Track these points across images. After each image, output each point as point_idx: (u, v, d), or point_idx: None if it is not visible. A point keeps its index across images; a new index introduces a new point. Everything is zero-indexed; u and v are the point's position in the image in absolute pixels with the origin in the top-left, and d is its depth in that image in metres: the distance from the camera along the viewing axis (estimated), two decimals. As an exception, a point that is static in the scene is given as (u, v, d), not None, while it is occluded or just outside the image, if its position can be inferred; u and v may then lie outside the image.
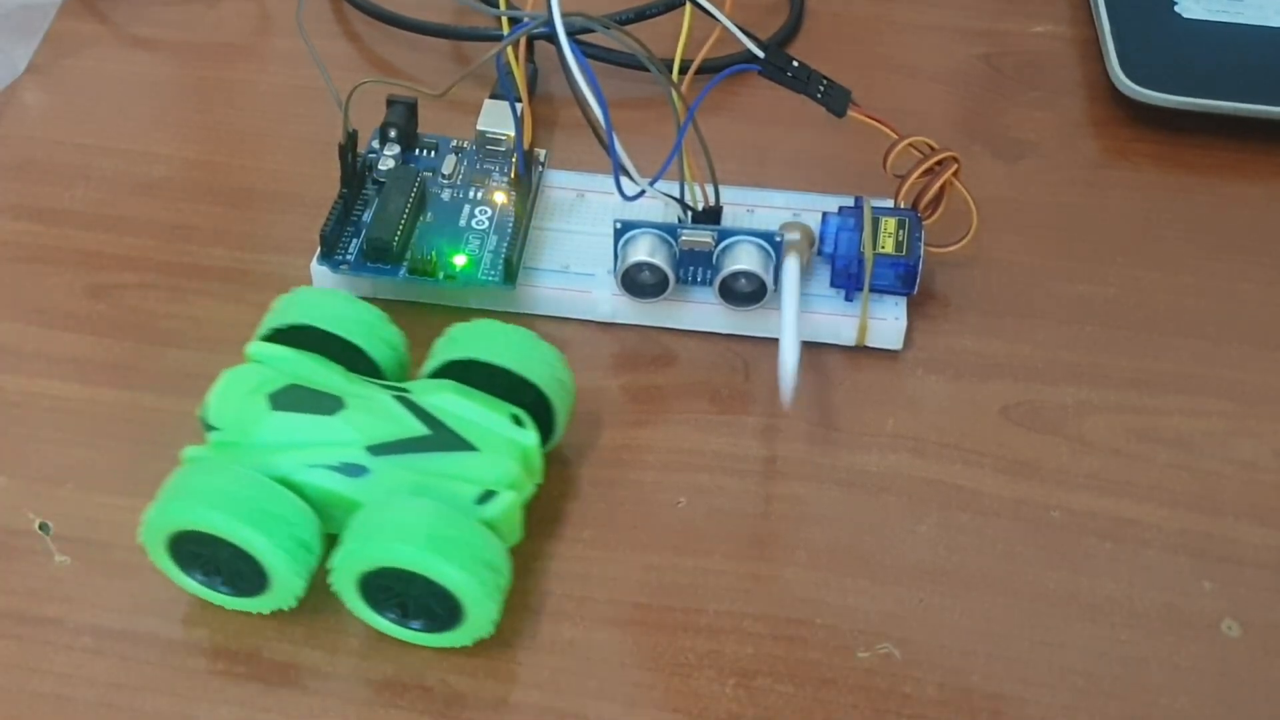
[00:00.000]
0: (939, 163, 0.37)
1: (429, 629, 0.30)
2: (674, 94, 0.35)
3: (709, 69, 0.38)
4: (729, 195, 0.37)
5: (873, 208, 0.37)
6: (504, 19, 0.37)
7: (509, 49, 0.36)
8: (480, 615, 0.29)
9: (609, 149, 0.35)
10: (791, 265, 0.36)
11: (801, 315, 0.35)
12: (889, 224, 0.37)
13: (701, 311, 0.37)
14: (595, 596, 0.32)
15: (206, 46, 0.47)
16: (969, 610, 0.32)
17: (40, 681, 0.30)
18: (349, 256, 0.37)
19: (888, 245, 0.36)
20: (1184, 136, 0.43)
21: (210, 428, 0.31)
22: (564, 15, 0.33)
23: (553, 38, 0.33)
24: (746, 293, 0.36)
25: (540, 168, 0.40)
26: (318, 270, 0.38)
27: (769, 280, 0.36)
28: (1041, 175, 0.42)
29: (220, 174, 0.42)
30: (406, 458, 0.30)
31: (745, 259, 0.36)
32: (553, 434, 0.33)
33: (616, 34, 0.34)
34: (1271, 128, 0.43)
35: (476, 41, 0.46)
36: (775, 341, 0.37)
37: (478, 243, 0.37)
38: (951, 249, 0.38)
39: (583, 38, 0.39)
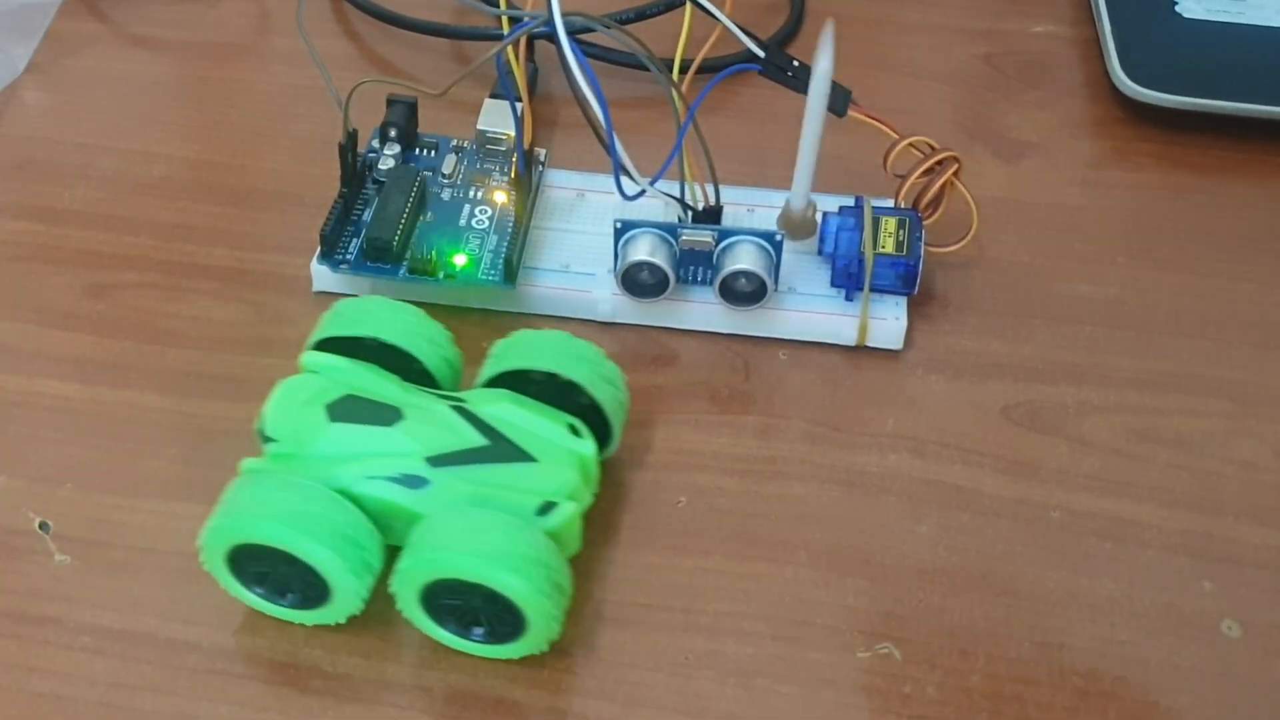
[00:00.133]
0: (939, 162, 0.37)
1: (490, 640, 0.30)
2: (674, 93, 0.35)
3: (709, 68, 0.38)
4: (729, 195, 0.37)
5: (873, 207, 0.37)
6: (504, 18, 0.37)
7: (509, 48, 0.36)
8: (542, 627, 0.29)
9: (609, 148, 0.35)
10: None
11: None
12: (889, 224, 0.37)
13: (702, 311, 0.37)
14: (595, 596, 0.32)
15: (206, 46, 0.47)
16: (969, 610, 0.32)
17: (40, 681, 0.30)
18: (349, 256, 0.37)
19: (888, 245, 0.36)
20: (1185, 136, 0.43)
21: (267, 439, 0.31)
22: (564, 15, 0.33)
23: (553, 37, 0.33)
24: (747, 292, 0.36)
25: (540, 167, 0.40)
26: (317, 270, 0.38)
27: (769, 280, 0.36)
28: (1042, 175, 0.42)
29: (220, 173, 0.42)
30: (466, 469, 0.30)
31: (745, 259, 0.36)
32: (609, 442, 0.33)
33: (617, 33, 0.34)
34: (1272, 128, 0.43)
35: (477, 41, 0.46)
36: (776, 341, 0.37)
37: (478, 242, 0.37)
38: (952, 249, 0.38)
39: (583, 37, 0.39)
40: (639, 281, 0.36)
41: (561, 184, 0.40)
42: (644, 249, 0.36)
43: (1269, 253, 0.40)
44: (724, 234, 0.36)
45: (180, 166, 0.42)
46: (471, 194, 0.39)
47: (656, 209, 0.37)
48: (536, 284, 0.37)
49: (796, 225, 0.37)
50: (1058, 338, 0.37)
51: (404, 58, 0.46)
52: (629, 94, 0.43)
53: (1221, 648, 0.31)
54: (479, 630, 0.30)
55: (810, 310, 0.37)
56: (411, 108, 0.40)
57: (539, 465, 0.30)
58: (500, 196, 0.39)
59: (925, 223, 0.37)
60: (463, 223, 0.38)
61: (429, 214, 0.38)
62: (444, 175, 0.39)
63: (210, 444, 0.35)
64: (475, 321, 0.37)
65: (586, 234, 0.39)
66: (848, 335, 0.37)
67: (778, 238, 0.36)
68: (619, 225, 0.36)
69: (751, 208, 0.39)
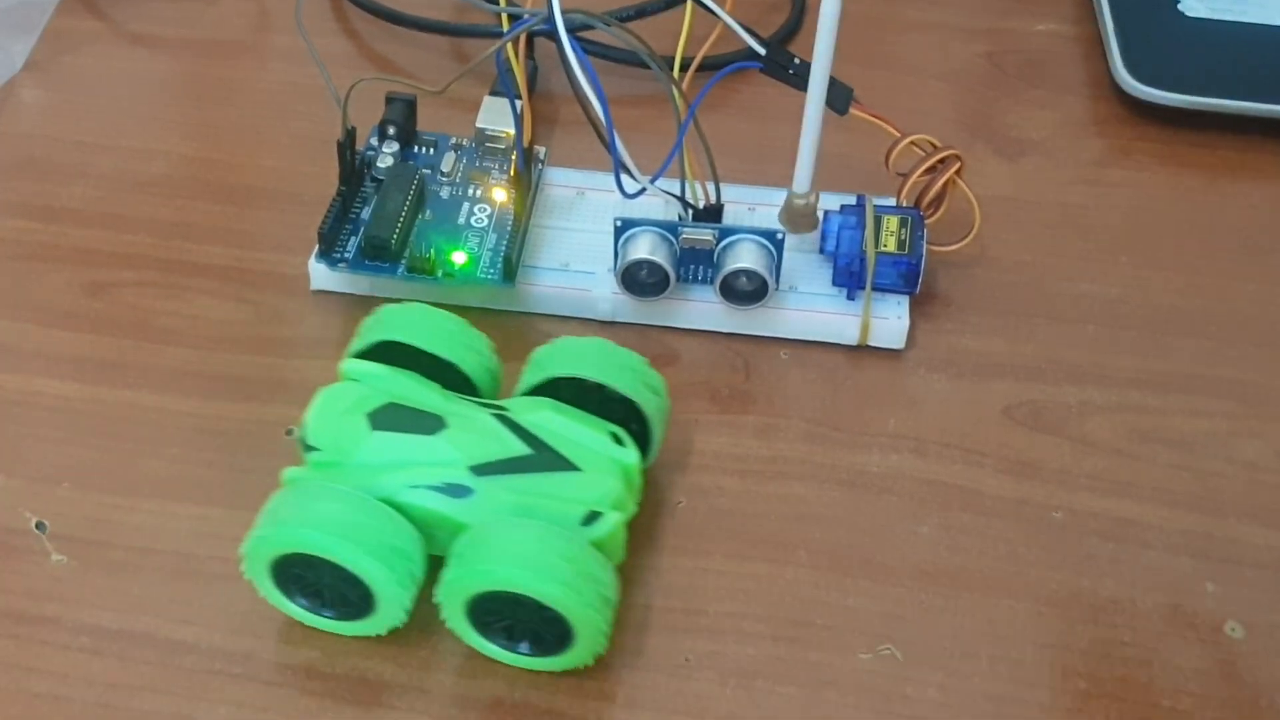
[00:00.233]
0: (941, 161, 0.37)
1: (537, 652, 0.30)
2: (675, 91, 0.35)
3: (710, 66, 0.38)
4: (730, 193, 0.37)
5: (875, 206, 0.37)
6: (504, 16, 0.37)
7: (509, 46, 0.36)
8: (590, 641, 0.29)
9: (609, 146, 0.34)
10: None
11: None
12: (891, 222, 0.37)
13: (702, 310, 0.37)
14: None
15: (205, 43, 0.46)
16: (970, 611, 0.31)
17: (38, 681, 0.30)
18: (347, 254, 0.37)
19: (890, 244, 0.36)
20: (1187, 135, 0.43)
21: (309, 448, 0.30)
22: (564, 12, 0.33)
23: (553, 34, 0.33)
24: (747, 291, 0.36)
25: (540, 165, 0.40)
26: (315, 268, 0.38)
27: (770, 279, 0.36)
28: (1044, 174, 0.42)
29: (219, 171, 0.42)
30: (510, 478, 0.30)
31: (746, 257, 0.36)
32: (649, 450, 0.32)
33: (617, 31, 0.34)
34: (1275, 126, 0.43)
35: (476, 38, 0.46)
36: (777, 340, 0.37)
37: (477, 241, 0.37)
38: (954, 247, 0.38)
39: (583, 34, 0.39)
40: (639, 280, 0.36)
41: (561, 182, 0.40)
42: (644, 247, 0.36)
43: (1272, 252, 0.40)
44: (725, 232, 0.36)
45: (179, 164, 0.42)
46: (471, 192, 0.39)
47: (657, 207, 0.37)
48: (536, 283, 0.37)
49: (798, 216, 0.37)
50: (1060, 337, 0.37)
51: (403, 55, 0.46)
52: (629, 92, 0.43)
53: (1224, 649, 0.31)
54: (525, 644, 0.29)
55: (811, 309, 0.37)
56: (410, 105, 0.40)
57: (583, 474, 0.30)
58: (499, 194, 0.38)
59: (927, 221, 0.37)
60: (462, 221, 0.38)
61: (428, 212, 0.38)
62: (443, 173, 0.39)
63: (209, 443, 0.34)
64: (474, 320, 0.36)
65: (586, 232, 0.39)
66: (849, 334, 0.37)
67: (779, 236, 0.36)
68: (619, 223, 0.36)
69: (752, 206, 0.39)
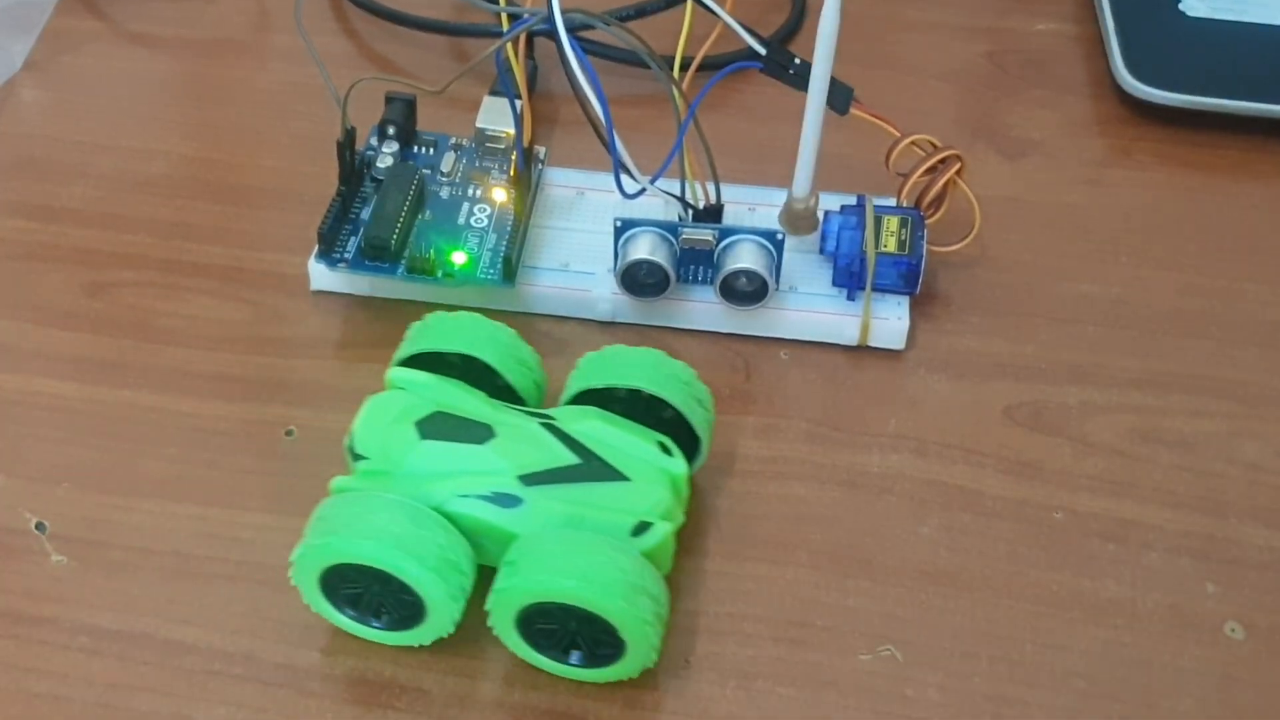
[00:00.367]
0: (942, 161, 0.37)
1: (587, 664, 0.29)
2: (675, 91, 0.35)
3: (710, 66, 0.38)
4: (730, 193, 0.37)
5: (875, 206, 0.37)
6: (504, 15, 0.36)
7: (509, 45, 0.36)
8: (641, 653, 0.29)
9: (609, 146, 0.34)
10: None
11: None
12: (891, 222, 0.37)
13: (702, 310, 0.37)
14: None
15: (205, 43, 0.46)
16: (971, 612, 0.31)
17: (37, 681, 0.30)
18: (347, 254, 0.37)
19: (890, 244, 0.36)
20: (1188, 135, 0.43)
21: (358, 457, 0.30)
22: (564, 11, 0.33)
23: (553, 34, 0.33)
24: (747, 291, 0.36)
25: (540, 165, 0.40)
26: (315, 268, 0.38)
27: (770, 279, 0.36)
28: (1045, 174, 0.42)
29: (218, 171, 0.42)
30: (559, 488, 0.30)
31: (746, 257, 0.36)
32: (695, 461, 0.32)
33: (617, 30, 0.34)
34: (1276, 126, 0.43)
35: (476, 38, 0.46)
36: (777, 341, 0.37)
37: (477, 241, 0.37)
38: (954, 248, 0.38)
39: (583, 34, 0.39)
40: (639, 280, 0.36)
41: (561, 182, 0.40)
42: (644, 248, 0.36)
43: (1273, 252, 0.40)
44: (725, 232, 0.36)
45: (178, 164, 0.42)
46: (470, 192, 0.39)
47: (657, 207, 0.37)
48: (536, 283, 0.37)
49: (798, 218, 0.37)
50: (1060, 337, 0.37)
51: (403, 55, 0.46)
52: (629, 91, 0.43)
53: (1225, 650, 0.31)
54: (576, 655, 0.29)
55: (812, 310, 0.37)
56: (410, 105, 0.40)
57: (632, 484, 0.30)
58: (499, 195, 0.38)
59: (927, 221, 0.37)
60: (461, 221, 0.38)
61: (427, 212, 0.38)
62: (443, 173, 0.39)
63: (208, 443, 0.34)
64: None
65: (586, 232, 0.38)
66: (849, 335, 0.37)
67: (779, 236, 0.36)
68: (619, 224, 0.36)
69: (753, 206, 0.39)
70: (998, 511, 0.33)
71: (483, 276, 0.37)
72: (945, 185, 0.37)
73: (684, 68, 0.36)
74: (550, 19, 0.33)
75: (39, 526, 0.33)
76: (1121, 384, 0.36)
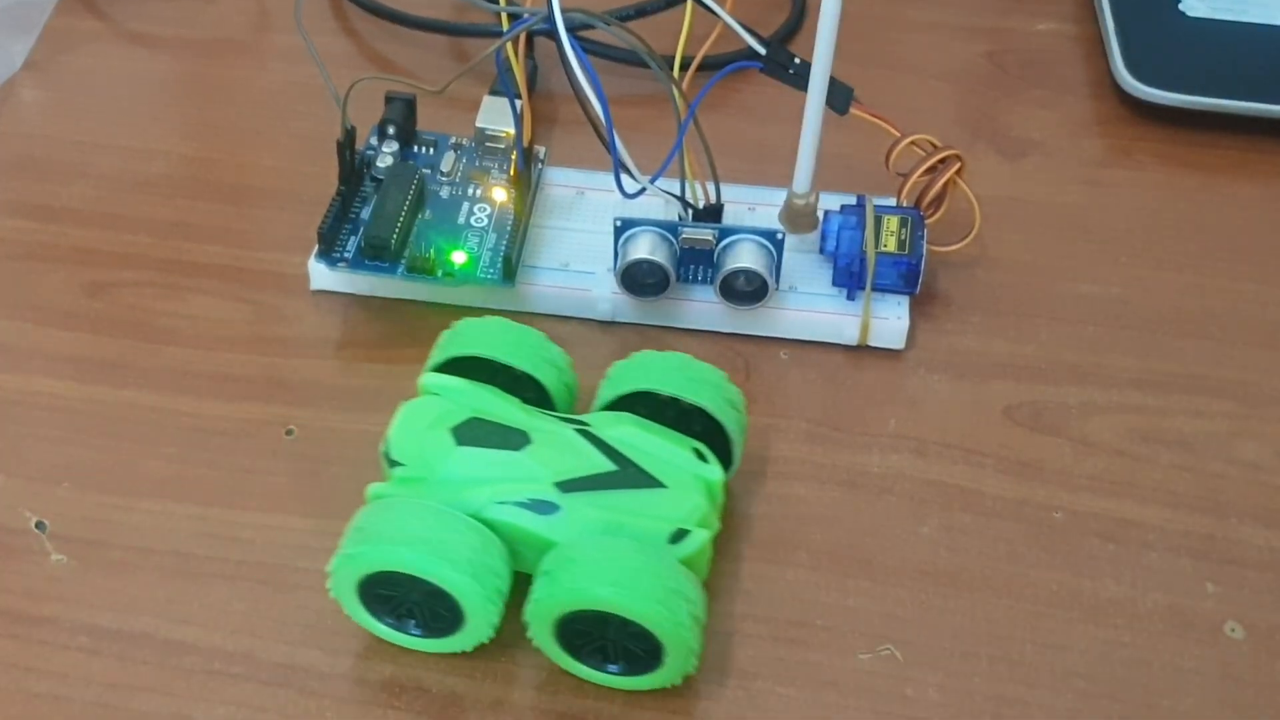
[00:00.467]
0: (942, 161, 0.37)
1: (626, 672, 0.29)
2: (675, 91, 0.35)
3: (710, 66, 0.38)
4: (730, 193, 0.37)
5: (875, 206, 0.37)
6: (504, 15, 0.36)
7: (509, 45, 0.36)
8: (680, 661, 0.29)
9: (609, 146, 0.34)
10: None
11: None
12: (891, 222, 0.37)
13: (702, 310, 0.37)
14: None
15: (205, 43, 0.46)
16: (971, 612, 0.31)
17: (37, 681, 0.30)
18: (347, 254, 0.37)
19: (890, 244, 0.36)
20: (1188, 135, 0.43)
21: (394, 463, 0.30)
22: (564, 11, 0.33)
23: (553, 34, 0.33)
24: (747, 291, 0.36)
25: (540, 165, 0.40)
26: (315, 268, 0.38)
27: (770, 279, 0.36)
28: (1045, 174, 0.42)
29: (218, 171, 0.42)
30: (596, 495, 0.29)
31: (746, 257, 0.36)
32: (730, 466, 0.32)
33: (617, 30, 0.34)
34: (1276, 126, 0.43)
35: (476, 38, 0.46)
36: (777, 341, 0.37)
37: (476, 240, 0.37)
38: (954, 248, 0.38)
39: (583, 34, 0.39)
40: (639, 280, 0.36)
41: (561, 182, 0.40)
42: (644, 247, 0.36)
43: (1273, 252, 0.40)
44: (725, 232, 0.36)
45: (178, 164, 0.42)
46: (470, 192, 0.39)
47: (657, 207, 0.37)
48: (536, 283, 0.37)
49: (798, 216, 0.37)
50: (1060, 337, 0.37)
51: (403, 55, 0.46)
52: (629, 91, 0.43)
53: (1224, 649, 0.31)
54: (615, 665, 0.29)
55: (811, 309, 0.37)
56: (410, 105, 0.40)
57: (668, 491, 0.30)
58: (499, 194, 0.38)
59: (927, 221, 0.37)
60: (461, 221, 0.38)
61: (427, 212, 0.38)
62: (443, 173, 0.39)
63: (208, 443, 0.34)
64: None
65: (586, 232, 0.38)
66: (849, 335, 0.37)
67: (779, 236, 0.36)
68: (619, 223, 0.36)
69: (752, 206, 0.39)
70: (998, 511, 0.33)
71: (483, 276, 0.37)
72: (945, 185, 0.37)
73: (684, 67, 0.36)
74: (550, 19, 0.33)
75: (39, 526, 0.33)
76: (1121, 384, 0.36)
